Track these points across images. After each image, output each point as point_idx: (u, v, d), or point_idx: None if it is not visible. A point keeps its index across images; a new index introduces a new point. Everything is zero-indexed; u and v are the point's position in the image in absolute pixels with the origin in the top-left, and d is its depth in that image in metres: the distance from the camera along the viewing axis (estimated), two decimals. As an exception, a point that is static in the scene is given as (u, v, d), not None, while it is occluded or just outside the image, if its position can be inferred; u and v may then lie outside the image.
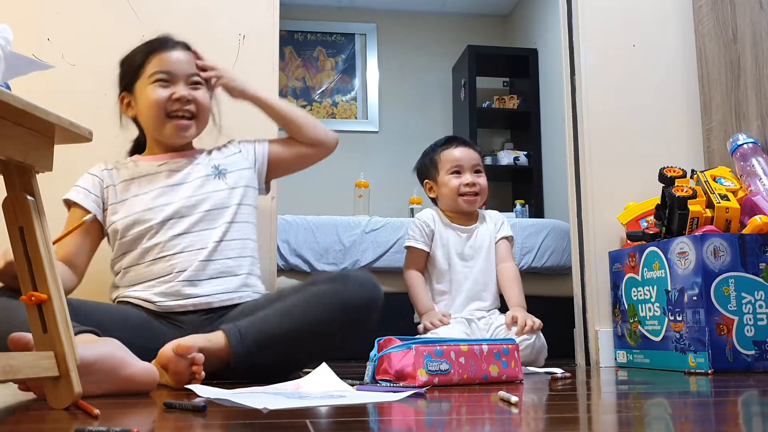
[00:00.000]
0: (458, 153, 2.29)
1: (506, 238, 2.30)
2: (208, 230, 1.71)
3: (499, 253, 2.28)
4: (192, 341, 1.38)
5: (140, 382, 1.25)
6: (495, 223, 2.32)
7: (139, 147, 1.90)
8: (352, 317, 1.55)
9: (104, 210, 1.75)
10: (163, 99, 1.72)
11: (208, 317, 1.66)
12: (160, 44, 1.78)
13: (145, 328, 1.59)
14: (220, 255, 1.70)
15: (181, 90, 1.73)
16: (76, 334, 1.15)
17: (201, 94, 1.77)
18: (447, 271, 2.22)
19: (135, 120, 1.84)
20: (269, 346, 1.49)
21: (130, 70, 1.78)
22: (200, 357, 1.35)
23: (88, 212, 1.72)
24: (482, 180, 2.29)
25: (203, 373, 1.35)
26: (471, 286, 2.21)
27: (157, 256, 1.67)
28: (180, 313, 1.65)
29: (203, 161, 1.81)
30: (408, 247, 2.30)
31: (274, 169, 1.92)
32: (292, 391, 1.26)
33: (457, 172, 2.27)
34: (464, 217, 2.31)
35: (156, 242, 1.68)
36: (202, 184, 1.75)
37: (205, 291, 1.66)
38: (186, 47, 1.81)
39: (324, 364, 1.44)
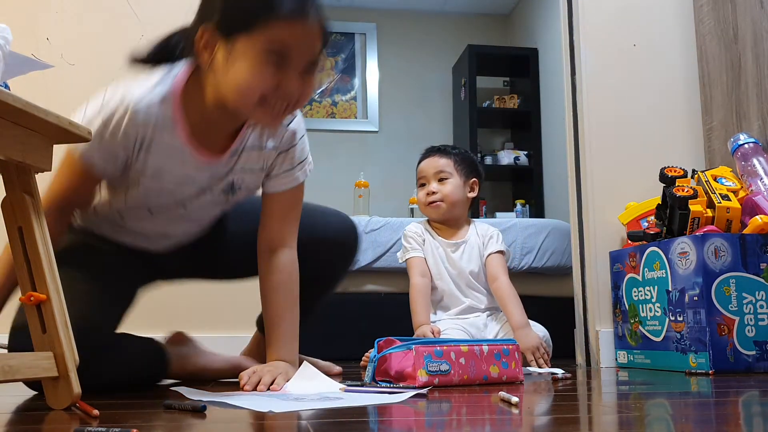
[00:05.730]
0: (422, 165, 2.30)
1: (497, 252, 2.21)
2: None
3: (490, 270, 2.20)
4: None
5: None
6: (483, 240, 2.24)
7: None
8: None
9: None
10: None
11: None
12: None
13: None
14: None
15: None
16: None
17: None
18: (439, 279, 2.22)
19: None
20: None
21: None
22: None
23: None
24: (445, 187, 2.21)
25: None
26: (463, 297, 2.20)
27: None
28: None
29: None
30: (408, 260, 2.23)
31: None
32: (284, 394, 1.25)
33: (423, 184, 2.27)
34: (450, 229, 2.26)
35: None
36: None
37: None
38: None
39: (306, 363, 1.42)
